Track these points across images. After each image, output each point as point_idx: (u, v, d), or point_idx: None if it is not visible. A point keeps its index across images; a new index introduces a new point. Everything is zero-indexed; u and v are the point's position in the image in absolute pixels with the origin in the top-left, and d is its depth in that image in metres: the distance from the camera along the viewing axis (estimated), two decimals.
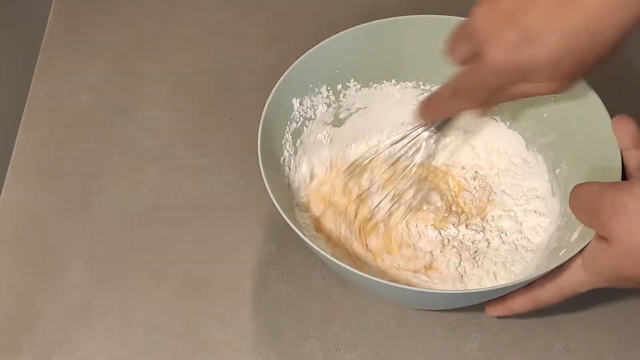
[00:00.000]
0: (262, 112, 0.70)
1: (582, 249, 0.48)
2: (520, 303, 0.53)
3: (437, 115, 0.58)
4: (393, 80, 0.63)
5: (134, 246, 0.63)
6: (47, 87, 0.73)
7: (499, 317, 0.56)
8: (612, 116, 0.54)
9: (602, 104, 0.55)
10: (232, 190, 0.66)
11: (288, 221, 0.51)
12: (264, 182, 0.66)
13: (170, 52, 0.76)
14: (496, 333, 0.58)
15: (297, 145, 0.61)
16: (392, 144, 0.61)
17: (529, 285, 0.51)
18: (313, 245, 0.50)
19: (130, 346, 0.57)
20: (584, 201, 0.47)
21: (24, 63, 0.75)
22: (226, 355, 0.57)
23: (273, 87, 0.72)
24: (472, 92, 0.51)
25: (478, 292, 0.52)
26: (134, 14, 0.79)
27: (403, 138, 0.60)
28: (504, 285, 0.50)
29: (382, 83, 0.63)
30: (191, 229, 0.64)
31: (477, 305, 0.59)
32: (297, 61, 0.58)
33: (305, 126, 0.61)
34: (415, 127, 0.59)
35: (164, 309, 0.59)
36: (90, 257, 0.62)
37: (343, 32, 0.60)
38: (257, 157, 0.54)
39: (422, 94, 0.63)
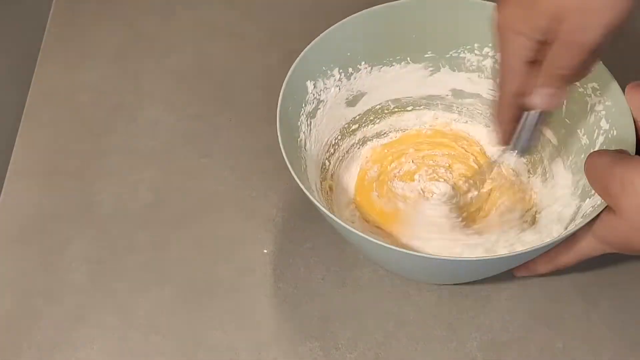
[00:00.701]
0: (262, 112, 0.71)
1: (594, 218, 0.50)
2: (541, 266, 0.56)
3: (502, 122, 0.55)
4: (403, 62, 0.64)
5: (134, 246, 0.63)
6: (47, 87, 0.73)
7: (526, 277, 0.59)
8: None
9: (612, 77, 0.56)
10: (232, 190, 0.66)
11: (310, 196, 0.51)
12: (264, 180, 0.66)
13: (170, 52, 0.76)
14: (496, 333, 0.58)
15: (311, 127, 0.61)
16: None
17: (549, 251, 0.53)
18: (337, 220, 0.50)
19: (130, 346, 0.57)
20: (597, 173, 0.49)
21: (24, 63, 0.75)
22: (226, 355, 0.57)
23: (273, 87, 0.72)
24: (503, 70, 0.51)
25: (503, 257, 0.52)
26: (134, 14, 0.79)
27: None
28: (522, 252, 0.50)
29: (392, 65, 0.64)
30: (191, 229, 0.64)
31: (476, 306, 0.59)
32: (311, 44, 0.59)
33: (319, 108, 0.62)
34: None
35: (164, 309, 0.59)
36: (90, 257, 0.62)
37: (355, 15, 0.60)
38: (277, 139, 0.54)
39: (431, 74, 0.64)
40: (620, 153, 0.49)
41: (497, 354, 0.57)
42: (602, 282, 0.60)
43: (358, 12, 0.61)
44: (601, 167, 0.48)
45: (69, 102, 0.72)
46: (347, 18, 0.60)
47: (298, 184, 0.52)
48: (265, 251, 0.62)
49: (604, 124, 0.56)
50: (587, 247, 0.52)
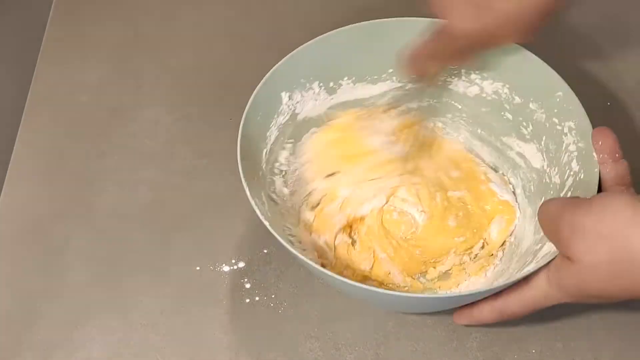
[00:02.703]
0: None
1: (548, 263, 0.48)
2: (485, 313, 0.52)
3: (422, 71, 0.59)
4: (388, 80, 0.63)
5: (134, 246, 0.63)
6: (47, 87, 0.73)
7: (466, 326, 0.56)
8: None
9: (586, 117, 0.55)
10: (232, 190, 0.66)
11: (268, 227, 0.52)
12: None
13: (170, 52, 0.76)
14: (496, 333, 0.58)
15: (283, 140, 0.61)
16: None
17: (496, 295, 0.51)
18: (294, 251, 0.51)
19: (130, 346, 0.57)
20: (547, 219, 0.47)
21: (24, 63, 0.75)
22: (226, 355, 0.57)
23: None
24: (446, 54, 0.56)
25: (435, 297, 0.52)
26: (134, 14, 0.79)
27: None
28: (459, 294, 0.50)
29: (377, 84, 0.63)
30: (191, 229, 0.64)
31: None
32: (288, 55, 0.59)
33: (291, 122, 0.61)
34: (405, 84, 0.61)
35: (164, 309, 0.59)
36: (90, 257, 0.62)
37: (337, 30, 0.60)
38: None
39: (407, 94, 0.63)
40: (573, 198, 0.47)
41: (497, 354, 0.57)
42: None
43: (355, 19, 0.60)
44: (552, 212, 0.47)
45: (69, 102, 0.72)
46: (330, 32, 0.60)
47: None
48: (265, 251, 0.62)
49: (575, 166, 0.55)
50: (541, 295, 0.49)
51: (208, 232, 0.63)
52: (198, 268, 0.61)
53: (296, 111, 0.61)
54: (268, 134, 0.59)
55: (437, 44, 0.55)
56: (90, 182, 0.67)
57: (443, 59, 0.57)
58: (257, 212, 0.51)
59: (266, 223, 0.51)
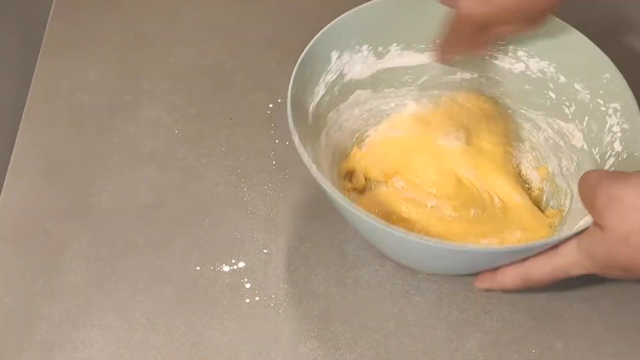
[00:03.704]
0: (262, 112, 0.71)
1: (580, 232, 0.49)
2: (510, 278, 0.53)
3: (448, 59, 0.63)
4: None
5: (134, 246, 0.63)
6: (47, 87, 0.73)
7: (487, 290, 0.56)
8: None
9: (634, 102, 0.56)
10: (232, 190, 0.66)
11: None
12: (264, 180, 0.66)
13: (170, 52, 0.76)
14: (496, 333, 0.58)
15: (330, 98, 0.61)
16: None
17: (522, 260, 0.52)
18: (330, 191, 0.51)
19: (130, 346, 0.57)
20: (585, 188, 0.49)
21: (24, 63, 0.75)
22: (226, 355, 0.57)
23: (273, 87, 0.72)
24: (461, 39, 0.58)
25: (462, 250, 0.51)
26: (134, 14, 0.79)
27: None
28: (491, 250, 0.50)
29: (424, 53, 0.64)
30: (191, 229, 0.64)
31: (476, 306, 0.59)
32: (341, 16, 0.60)
33: (342, 82, 0.62)
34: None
35: (164, 309, 0.59)
36: (90, 257, 0.62)
37: None
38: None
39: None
40: (614, 171, 0.49)
41: (497, 354, 0.57)
42: (602, 282, 0.60)
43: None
44: (591, 182, 0.48)
45: (69, 102, 0.72)
46: None
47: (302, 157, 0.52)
48: (265, 251, 0.62)
49: (617, 146, 0.56)
50: (569, 262, 0.50)
51: (208, 232, 0.63)
52: (198, 268, 0.61)
53: (344, 72, 0.62)
54: (316, 89, 0.60)
55: (454, 32, 0.58)
56: (90, 182, 0.67)
57: (464, 46, 0.60)
58: (304, 158, 0.53)
59: (313, 166, 0.52)
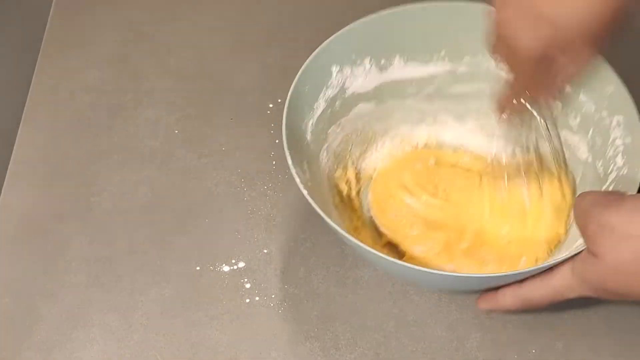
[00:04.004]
0: (262, 112, 0.71)
1: (574, 255, 0.48)
2: (509, 299, 0.53)
3: (513, 111, 0.60)
4: (440, 62, 0.63)
5: (134, 246, 0.63)
6: (47, 87, 0.73)
7: (489, 311, 0.57)
8: None
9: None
10: (232, 190, 0.66)
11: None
12: (264, 180, 0.66)
13: (170, 52, 0.76)
14: (496, 333, 0.58)
15: (331, 113, 0.61)
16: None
17: (520, 282, 0.52)
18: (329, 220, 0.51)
19: (130, 346, 0.57)
20: (579, 214, 0.48)
21: (24, 63, 0.75)
22: (226, 355, 0.57)
23: (273, 87, 0.72)
24: (530, 85, 0.56)
25: (459, 277, 0.52)
26: (134, 14, 0.79)
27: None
28: (480, 276, 0.51)
29: (428, 65, 0.63)
30: (191, 228, 0.64)
31: (476, 306, 0.59)
32: (342, 30, 0.59)
33: (343, 96, 0.61)
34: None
35: (164, 309, 0.59)
36: (90, 257, 0.62)
37: (391, 10, 0.60)
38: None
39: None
40: (608, 194, 0.48)
41: (497, 354, 0.57)
42: None
43: (350, 19, 0.60)
44: (583, 207, 0.47)
45: (69, 102, 0.72)
46: (383, 12, 0.60)
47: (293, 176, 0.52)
48: (265, 251, 0.62)
49: (619, 160, 0.55)
50: (564, 285, 0.50)
51: (208, 232, 0.63)
52: (198, 268, 0.61)
53: (345, 85, 0.61)
54: (315, 105, 0.59)
55: (516, 81, 0.56)
56: (90, 182, 0.67)
57: (530, 91, 0.57)
58: (297, 180, 0.52)
59: (305, 192, 0.52)
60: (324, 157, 0.61)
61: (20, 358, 0.57)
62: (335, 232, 0.51)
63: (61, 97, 0.72)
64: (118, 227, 0.64)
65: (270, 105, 0.71)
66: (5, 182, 0.66)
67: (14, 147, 0.69)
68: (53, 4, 0.80)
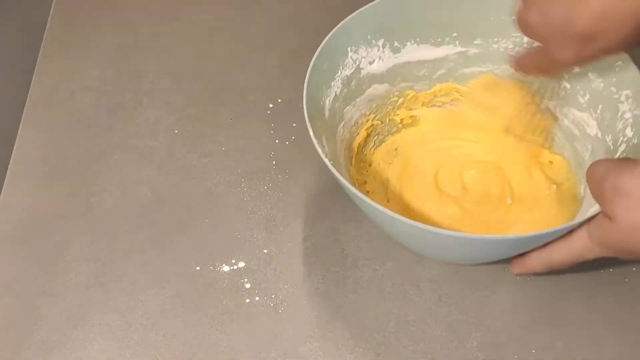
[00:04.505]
0: (262, 112, 0.71)
1: (590, 218, 0.50)
2: (534, 262, 0.55)
3: (526, 71, 0.61)
4: (451, 44, 0.65)
5: (134, 246, 0.63)
6: (47, 87, 0.73)
7: (519, 275, 0.59)
8: None
9: None
10: (232, 190, 0.66)
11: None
12: (264, 180, 0.66)
13: (170, 52, 0.76)
14: (496, 333, 0.58)
15: (347, 92, 0.62)
16: None
17: (544, 246, 0.54)
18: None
19: (130, 346, 0.57)
20: (593, 180, 0.49)
21: (24, 63, 0.75)
22: (226, 355, 0.57)
23: (273, 87, 0.72)
24: (548, 69, 0.58)
25: (478, 239, 0.51)
26: (134, 14, 0.79)
27: None
28: (502, 238, 0.51)
29: (440, 47, 0.65)
30: (191, 229, 0.64)
31: (476, 306, 0.59)
32: (356, 12, 0.60)
33: (358, 77, 0.62)
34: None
35: (164, 309, 0.59)
36: (90, 257, 0.62)
37: None
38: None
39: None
40: (621, 160, 0.50)
41: (497, 354, 0.57)
42: (602, 282, 0.60)
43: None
44: (598, 174, 0.49)
45: (69, 102, 0.72)
46: None
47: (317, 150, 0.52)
48: (265, 251, 0.62)
49: (629, 132, 0.57)
50: (583, 247, 0.52)
51: (208, 232, 0.63)
52: (198, 268, 0.61)
53: (360, 66, 0.62)
54: (332, 83, 0.60)
55: (539, 58, 0.57)
56: (90, 182, 0.67)
57: (545, 71, 0.60)
58: (319, 150, 0.53)
59: (327, 161, 0.52)
60: (341, 135, 0.61)
61: (20, 358, 0.57)
62: (359, 201, 0.52)
63: (61, 97, 0.73)
64: (118, 227, 0.64)
65: (270, 105, 0.71)
66: (5, 182, 0.66)
67: (14, 147, 0.69)
68: (53, 4, 0.80)
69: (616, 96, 0.58)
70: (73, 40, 0.77)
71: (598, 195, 0.49)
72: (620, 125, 0.58)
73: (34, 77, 0.74)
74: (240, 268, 0.61)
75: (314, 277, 0.61)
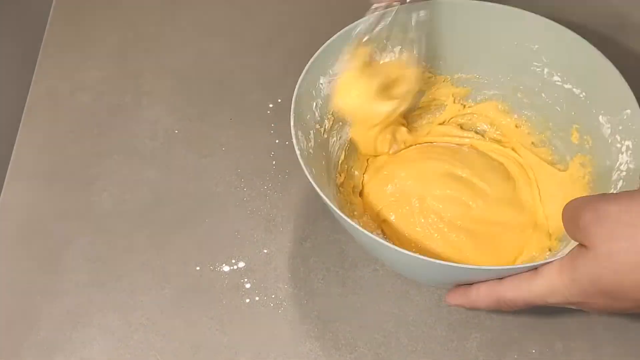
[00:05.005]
0: (262, 112, 0.71)
1: (563, 257, 0.46)
2: (483, 296, 0.49)
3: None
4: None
5: (134, 246, 0.63)
6: (47, 87, 0.73)
7: (455, 306, 0.53)
8: None
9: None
10: (232, 190, 0.66)
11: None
12: (264, 180, 0.66)
13: (170, 52, 0.76)
14: (496, 333, 0.58)
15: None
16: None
17: (499, 280, 0.49)
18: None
19: (130, 346, 0.57)
20: (571, 209, 0.46)
21: (24, 63, 0.75)
22: (226, 355, 0.57)
23: (273, 87, 0.72)
24: None
25: (440, 264, 0.48)
26: (134, 14, 0.79)
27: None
28: (462, 266, 0.48)
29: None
30: (191, 229, 0.64)
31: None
32: (328, 42, 0.59)
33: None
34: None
35: (164, 309, 0.59)
36: (90, 257, 0.62)
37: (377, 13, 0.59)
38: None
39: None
40: (602, 193, 0.46)
41: (497, 354, 0.57)
42: None
43: (350, 18, 0.59)
44: (577, 203, 0.45)
45: (69, 102, 0.72)
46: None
47: (305, 174, 0.52)
48: (265, 251, 0.62)
49: (620, 184, 0.54)
50: (548, 286, 0.46)
51: (208, 232, 0.63)
52: (198, 268, 0.61)
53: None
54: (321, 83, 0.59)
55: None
56: (90, 182, 0.67)
57: None
58: (295, 143, 0.53)
59: (301, 160, 0.52)
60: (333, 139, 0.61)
61: (20, 358, 0.57)
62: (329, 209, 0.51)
63: (61, 97, 0.73)
64: (118, 227, 0.64)
65: (270, 105, 0.71)
66: (5, 182, 0.66)
67: (14, 147, 0.69)
68: (53, 4, 0.80)
69: (619, 145, 0.56)
70: (73, 40, 0.77)
71: (574, 224, 0.44)
72: (615, 176, 0.55)
73: (34, 77, 0.74)
74: (240, 268, 0.61)
75: (314, 277, 0.61)
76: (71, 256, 0.62)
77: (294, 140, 0.53)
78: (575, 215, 0.45)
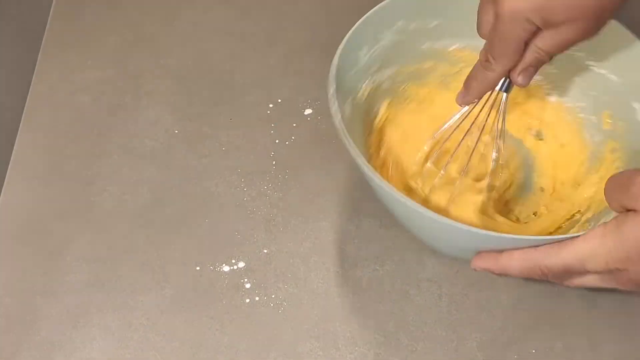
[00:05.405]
0: (262, 112, 0.71)
1: (606, 222, 0.45)
2: (516, 261, 0.48)
3: (477, 92, 0.56)
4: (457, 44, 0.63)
5: (134, 246, 0.63)
6: (47, 87, 0.73)
7: (481, 270, 0.50)
8: None
9: None
10: (232, 190, 0.66)
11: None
12: (264, 180, 0.66)
13: (170, 52, 0.76)
14: (496, 333, 0.58)
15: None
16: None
17: (534, 247, 0.47)
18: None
19: (130, 346, 0.57)
20: (618, 181, 0.45)
21: (24, 63, 0.75)
22: (226, 355, 0.57)
23: (273, 87, 0.72)
24: (500, 49, 0.51)
25: (483, 234, 0.47)
26: (134, 14, 0.79)
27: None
28: (505, 236, 0.46)
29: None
30: (191, 229, 0.64)
31: (476, 306, 0.59)
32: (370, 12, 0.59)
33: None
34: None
35: (164, 309, 0.59)
36: (90, 257, 0.62)
37: None
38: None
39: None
40: None
41: (497, 354, 0.57)
42: None
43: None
44: (625, 173, 0.45)
45: (69, 102, 0.72)
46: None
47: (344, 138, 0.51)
48: (265, 251, 0.62)
49: None
50: (589, 249, 0.45)
51: (208, 232, 0.63)
52: (198, 268, 0.61)
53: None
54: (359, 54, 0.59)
55: (489, 42, 0.52)
56: (90, 182, 0.67)
57: (497, 63, 0.52)
58: (332, 110, 0.52)
59: (341, 125, 0.51)
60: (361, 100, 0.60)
61: (20, 358, 0.57)
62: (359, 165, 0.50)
63: (61, 97, 0.72)
64: (118, 227, 0.64)
65: (270, 105, 0.71)
66: (5, 182, 0.66)
67: (14, 147, 0.69)
68: (53, 4, 0.80)
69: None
70: (73, 40, 0.77)
71: (622, 192, 0.44)
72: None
73: (34, 77, 0.74)
74: (240, 268, 0.61)
75: (314, 277, 0.61)
76: (71, 256, 0.62)
77: (335, 110, 0.52)
78: (626, 182, 0.44)
